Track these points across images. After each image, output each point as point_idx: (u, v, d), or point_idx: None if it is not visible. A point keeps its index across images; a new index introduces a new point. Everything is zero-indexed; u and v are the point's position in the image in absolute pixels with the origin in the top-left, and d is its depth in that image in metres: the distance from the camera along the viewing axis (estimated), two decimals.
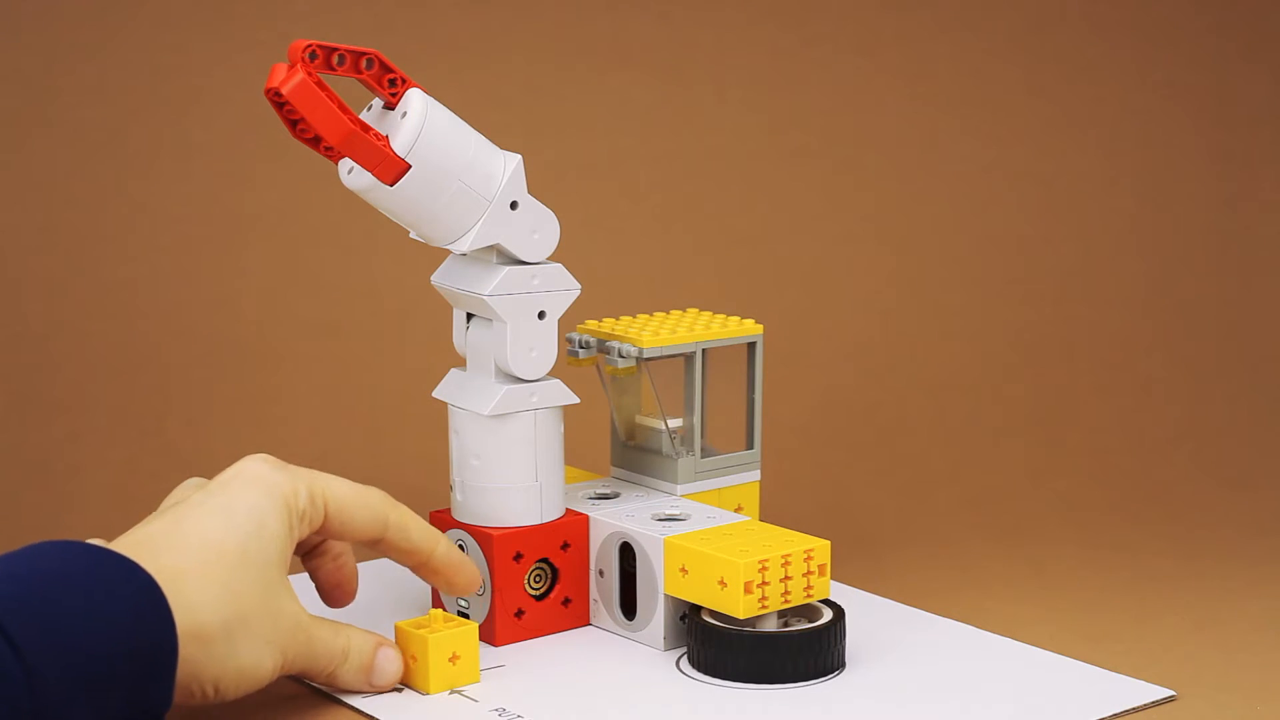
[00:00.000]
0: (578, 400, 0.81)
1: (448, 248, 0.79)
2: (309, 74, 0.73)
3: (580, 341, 0.85)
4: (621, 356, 0.83)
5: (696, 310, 0.89)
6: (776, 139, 1.19)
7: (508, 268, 0.79)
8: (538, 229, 0.79)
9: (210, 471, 0.73)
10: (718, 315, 0.88)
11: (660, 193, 1.17)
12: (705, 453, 0.86)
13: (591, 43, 1.17)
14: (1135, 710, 0.73)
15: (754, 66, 1.19)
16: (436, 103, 0.76)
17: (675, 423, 0.85)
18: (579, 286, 0.81)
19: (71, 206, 1.09)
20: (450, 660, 0.74)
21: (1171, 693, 0.75)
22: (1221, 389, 1.16)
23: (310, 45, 0.74)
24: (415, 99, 0.76)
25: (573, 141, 1.16)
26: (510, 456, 0.80)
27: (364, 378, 1.08)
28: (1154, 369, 1.17)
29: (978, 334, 1.17)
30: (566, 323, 0.89)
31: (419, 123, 0.75)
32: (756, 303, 1.12)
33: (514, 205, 0.78)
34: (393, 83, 0.76)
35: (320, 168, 1.13)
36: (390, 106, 0.77)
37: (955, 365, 1.15)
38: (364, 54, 0.75)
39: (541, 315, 0.80)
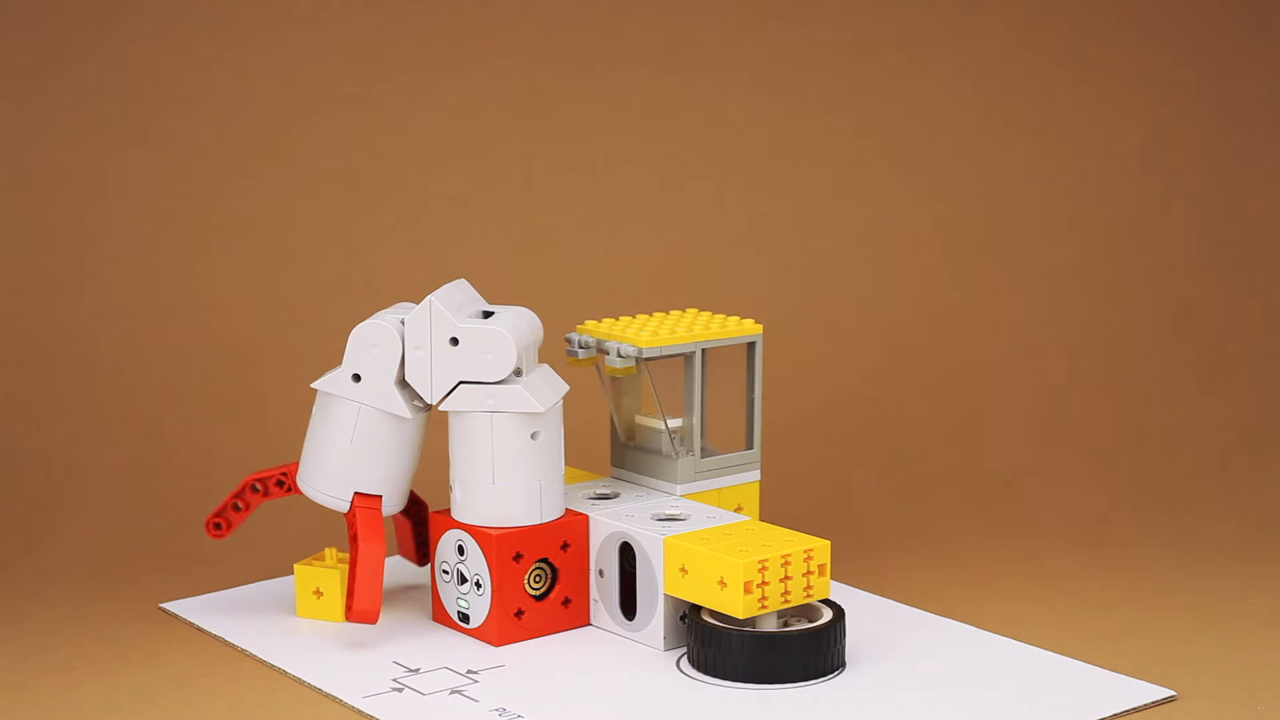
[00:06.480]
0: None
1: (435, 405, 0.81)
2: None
3: (580, 342, 0.84)
4: (621, 356, 0.83)
5: (696, 310, 0.89)
6: (776, 138, 1.19)
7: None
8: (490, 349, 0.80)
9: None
10: (718, 315, 0.88)
11: (660, 193, 1.17)
12: (705, 453, 0.86)
13: (591, 43, 1.17)
14: (1135, 710, 0.73)
15: (754, 66, 1.19)
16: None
17: (675, 423, 0.85)
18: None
19: (71, 206, 1.09)
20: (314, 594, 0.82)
21: (1171, 693, 0.75)
22: (1221, 388, 1.16)
23: None
24: None
25: (573, 141, 1.16)
26: (546, 450, 0.80)
27: None
28: (1154, 369, 1.17)
29: (978, 334, 1.17)
30: (566, 323, 0.89)
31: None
32: (756, 303, 1.12)
33: (454, 341, 0.79)
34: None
35: (320, 168, 1.13)
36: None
37: (955, 365, 1.15)
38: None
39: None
